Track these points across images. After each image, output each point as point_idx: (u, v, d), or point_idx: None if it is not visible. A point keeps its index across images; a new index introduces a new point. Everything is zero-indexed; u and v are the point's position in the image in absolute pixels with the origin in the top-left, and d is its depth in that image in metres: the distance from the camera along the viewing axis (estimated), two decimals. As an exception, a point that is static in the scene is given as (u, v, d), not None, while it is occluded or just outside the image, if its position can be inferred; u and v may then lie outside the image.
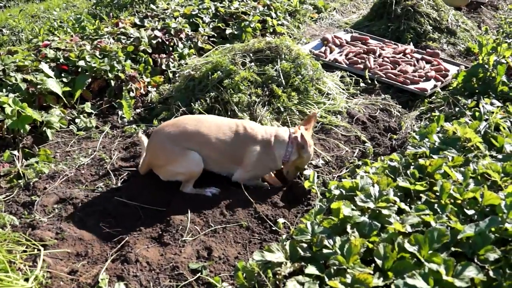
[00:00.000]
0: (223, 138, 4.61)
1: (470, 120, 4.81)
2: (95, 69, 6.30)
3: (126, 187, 4.78)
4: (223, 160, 4.71)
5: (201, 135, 4.57)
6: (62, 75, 6.20)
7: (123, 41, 7.31)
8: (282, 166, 4.86)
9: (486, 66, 5.87)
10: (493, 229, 2.72)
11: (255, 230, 4.21)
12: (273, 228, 4.22)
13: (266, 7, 9.61)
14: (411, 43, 8.81)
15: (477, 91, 5.86)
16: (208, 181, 4.78)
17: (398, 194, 3.25)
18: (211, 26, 8.61)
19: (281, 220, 4.27)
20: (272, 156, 4.72)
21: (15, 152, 5.20)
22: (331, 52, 8.11)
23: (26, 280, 3.51)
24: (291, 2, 10.52)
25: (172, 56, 7.50)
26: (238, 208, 4.42)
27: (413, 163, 3.73)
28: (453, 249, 2.68)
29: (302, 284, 2.60)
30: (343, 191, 3.43)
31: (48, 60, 6.33)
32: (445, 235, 2.64)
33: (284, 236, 3.42)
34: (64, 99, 6.02)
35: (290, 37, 9.24)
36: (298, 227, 3.04)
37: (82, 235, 4.12)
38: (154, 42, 7.51)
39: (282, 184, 4.95)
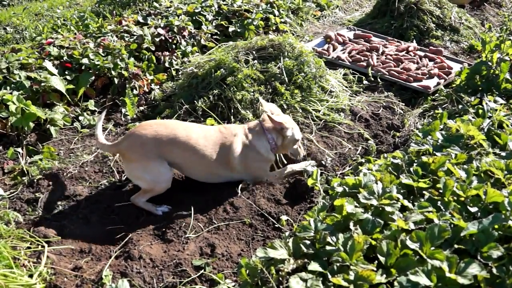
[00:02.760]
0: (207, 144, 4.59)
1: (473, 117, 4.80)
2: (98, 66, 6.30)
3: (129, 184, 4.79)
4: (210, 165, 4.62)
5: (189, 143, 4.50)
6: (66, 72, 6.20)
7: (126, 39, 7.32)
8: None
9: (490, 63, 5.86)
10: (496, 226, 2.73)
11: (258, 227, 4.22)
12: (276, 225, 4.24)
13: (269, 5, 9.59)
14: (414, 41, 8.79)
15: (480, 88, 5.85)
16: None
17: (401, 191, 3.26)
18: (214, 24, 8.61)
19: (284, 217, 4.28)
20: (254, 148, 4.72)
21: (19, 150, 5.22)
22: (334, 50, 8.11)
23: (30, 276, 3.53)
24: (294, 0, 10.52)
25: (175, 54, 7.50)
26: (241, 205, 4.43)
27: (416, 161, 3.74)
28: (456, 246, 2.68)
29: (305, 280, 2.61)
30: (346, 188, 3.44)
31: (51, 58, 6.34)
32: (445, 230, 2.64)
33: (287, 233, 3.43)
34: (67, 96, 6.03)
35: (293, 34, 9.24)
36: (301, 224, 3.05)
37: (85, 232, 4.15)
38: (157, 40, 7.52)
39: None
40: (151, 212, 4.48)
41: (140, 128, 4.55)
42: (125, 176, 4.92)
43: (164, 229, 4.14)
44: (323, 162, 5.22)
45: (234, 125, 4.85)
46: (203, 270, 3.71)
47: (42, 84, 5.78)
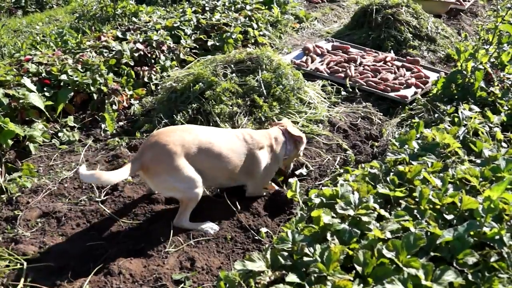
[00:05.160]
0: (234, 148, 4.49)
1: (449, 126, 4.86)
2: (77, 82, 6.29)
3: (109, 200, 4.78)
4: (233, 172, 4.52)
5: (213, 145, 4.34)
6: (45, 89, 6.19)
7: (105, 54, 7.32)
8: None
9: (465, 72, 5.93)
10: (471, 233, 2.77)
11: (238, 240, 4.23)
12: (256, 238, 4.24)
13: (247, 18, 9.65)
14: (392, 51, 8.90)
15: (456, 97, 5.92)
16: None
17: (378, 201, 3.29)
18: (193, 38, 8.64)
19: (263, 230, 4.29)
20: (276, 158, 4.78)
21: (-3, 167, 5.19)
22: (312, 62, 8.17)
23: (9, 295, 3.52)
24: (273, 13, 10.58)
25: (154, 69, 7.52)
26: (221, 218, 4.44)
27: (393, 170, 3.77)
28: (432, 254, 2.72)
29: (283, 292, 2.63)
30: (324, 199, 3.46)
31: (30, 74, 6.32)
32: (421, 238, 2.68)
33: (267, 245, 3.44)
34: (46, 113, 6.01)
35: (272, 47, 9.30)
36: (279, 236, 3.07)
37: (65, 249, 4.11)
38: (136, 55, 7.53)
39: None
40: (204, 233, 4.31)
41: (162, 135, 4.20)
42: (105, 192, 4.90)
43: (143, 244, 4.13)
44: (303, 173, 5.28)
45: (259, 134, 4.76)
46: (183, 284, 3.70)
47: (21, 101, 5.76)
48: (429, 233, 2.86)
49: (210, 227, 4.35)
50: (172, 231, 4.23)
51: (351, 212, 3.13)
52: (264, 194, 4.86)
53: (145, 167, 4.13)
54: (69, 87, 6.30)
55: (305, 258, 2.81)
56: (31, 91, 5.95)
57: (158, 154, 4.10)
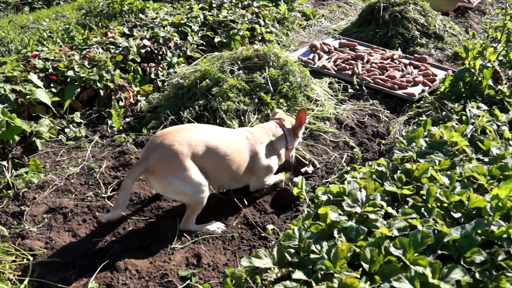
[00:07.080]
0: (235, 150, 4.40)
1: (456, 124, 4.84)
2: (84, 79, 6.29)
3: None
4: (236, 172, 4.43)
5: (219, 148, 4.25)
6: (51, 85, 6.19)
7: (112, 50, 7.32)
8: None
9: (472, 70, 5.90)
10: (479, 231, 2.75)
11: (245, 237, 4.23)
12: (263, 235, 4.24)
13: (254, 15, 9.63)
14: (399, 49, 8.85)
15: (464, 95, 5.89)
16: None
17: (385, 198, 3.28)
18: (199, 35, 8.63)
19: (270, 227, 4.28)
20: (276, 152, 4.74)
21: (4, 163, 5.18)
22: (319, 59, 8.15)
23: (16, 290, 3.52)
24: (280, 10, 10.56)
25: (161, 65, 7.51)
26: (227, 215, 4.44)
27: (400, 168, 3.76)
28: (439, 252, 2.70)
29: (289, 289, 2.62)
30: (331, 197, 3.45)
31: (37, 70, 6.32)
32: (428, 236, 2.66)
33: (273, 242, 3.43)
34: (53, 109, 6.02)
35: (279, 44, 9.27)
36: (286, 233, 3.06)
37: (71, 244, 4.12)
38: (143, 51, 7.53)
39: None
40: (212, 232, 4.29)
41: (168, 135, 4.07)
42: (111, 188, 4.90)
43: (150, 241, 4.13)
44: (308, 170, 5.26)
45: (257, 131, 4.72)
46: (189, 280, 3.71)
47: (28, 96, 5.76)
48: (436, 231, 2.84)
49: (217, 226, 4.33)
50: (178, 227, 4.23)
51: (358, 210, 3.12)
52: (267, 185, 4.80)
53: (151, 170, 3.99)
54: (76, 83, 6.30)
55: (312, 255, 2.80)
56: (38, 87, 5.96)
57: (164, 155, 3.98)
